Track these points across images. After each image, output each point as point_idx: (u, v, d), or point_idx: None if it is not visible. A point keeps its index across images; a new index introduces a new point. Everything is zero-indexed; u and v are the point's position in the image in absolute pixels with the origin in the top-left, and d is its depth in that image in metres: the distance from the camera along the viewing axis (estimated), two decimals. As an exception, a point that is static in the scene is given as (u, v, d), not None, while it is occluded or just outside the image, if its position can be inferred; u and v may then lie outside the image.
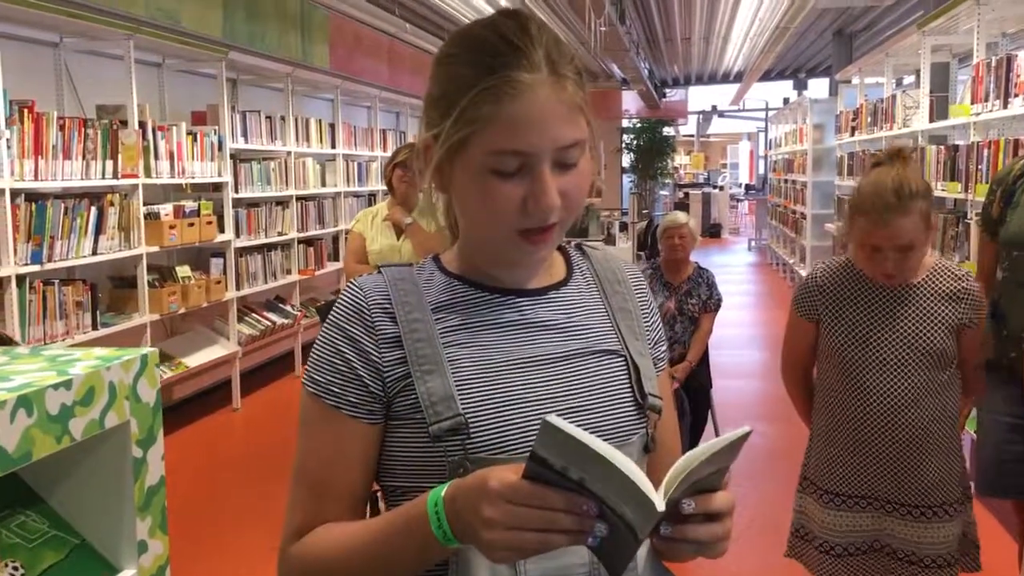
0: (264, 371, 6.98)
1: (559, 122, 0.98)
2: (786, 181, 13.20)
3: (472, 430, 0.99)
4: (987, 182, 3.91)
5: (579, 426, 1.02)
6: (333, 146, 7.98)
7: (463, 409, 0.99)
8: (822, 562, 2.27)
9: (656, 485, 0.86)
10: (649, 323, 1.18)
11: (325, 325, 1.07)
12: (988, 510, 3.77)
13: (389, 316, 1.05)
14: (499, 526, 0.84)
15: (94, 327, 4.69)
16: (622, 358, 1.10)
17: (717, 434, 4.76)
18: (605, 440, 1.02)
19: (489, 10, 9.11)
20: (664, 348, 1.20)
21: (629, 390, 1.08)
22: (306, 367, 1.08)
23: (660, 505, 0.83)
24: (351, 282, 1.09)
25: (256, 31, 7.01)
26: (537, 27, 1.01)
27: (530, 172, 0.99)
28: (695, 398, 4.35)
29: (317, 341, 1.07)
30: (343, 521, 1.05)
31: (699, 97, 24.11)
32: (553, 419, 0.81)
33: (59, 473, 1.28)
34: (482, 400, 1.01)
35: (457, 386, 1.01)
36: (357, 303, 1.06)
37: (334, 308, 1.08)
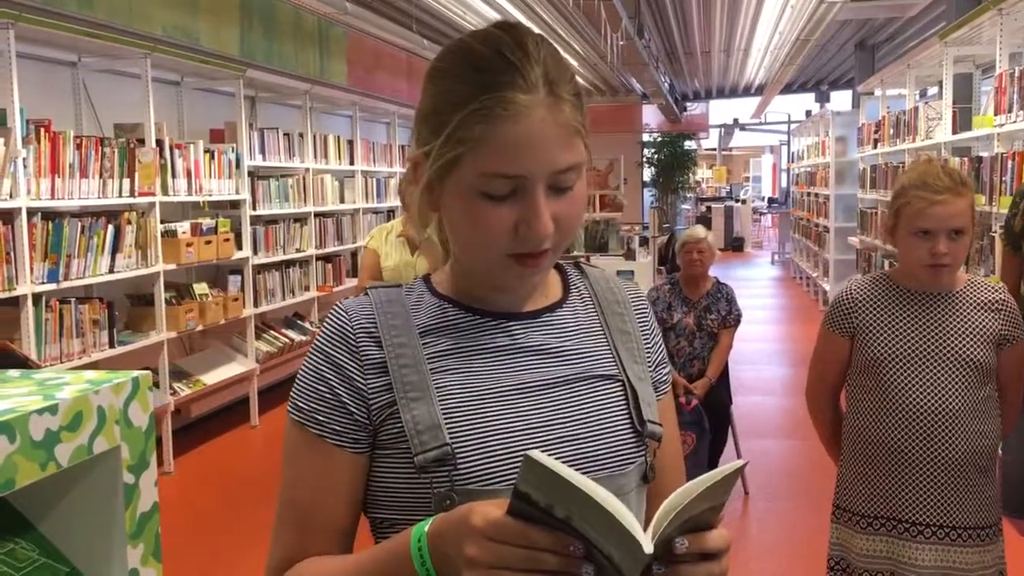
0: (282, 388, 6.97)
1: (555, 146, 0.94)
2: (809, 194, 13.10)
3: (459, 461, 0.94)
4: (1012, 194, 3.83)
5: (574, 455, 0.97)
6: (351, 163, 7.99)
7: (450, 439, 0.95)
8: None
9: (653, 518, 0.82)
10: (650, 345, 1.12)
11: (310, 350, 1.03)
12: (1015, 529, 3.68)
13: (375, 340, 1.00)
14: (482, 565, 0.80)
15: (111, 345, 4.70)
16: (620, 383, 1.05)
17: (737, 451, 4.69)
18: (601, 470, 0.98)
19: (507, 26, 9.12)
20: (667, 371, 1.14)
21: (627, 417, 1.03)
22: (290, 393, 1.04)
23: (648, 547, 0.78)
24: (337, 305, 1.05)
25: (274, 48, 7.05)
26: (535, 42, 0.96)
27: (523, 196, 0.94)
28: (714, 415, 4.29)
29: (302, 367, 1.03)
30: (327, 555, 1.00)
31: (720, 110, 24.05)
32: (535, 454, 0.76)
33: (49, 499, 1.24)
34: (470, 429, 0.96)
35: (444, 414, 0.96)
36: (342, 327, 1.02)
37: (319, 332, 1.04)
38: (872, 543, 2.18)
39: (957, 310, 2.12)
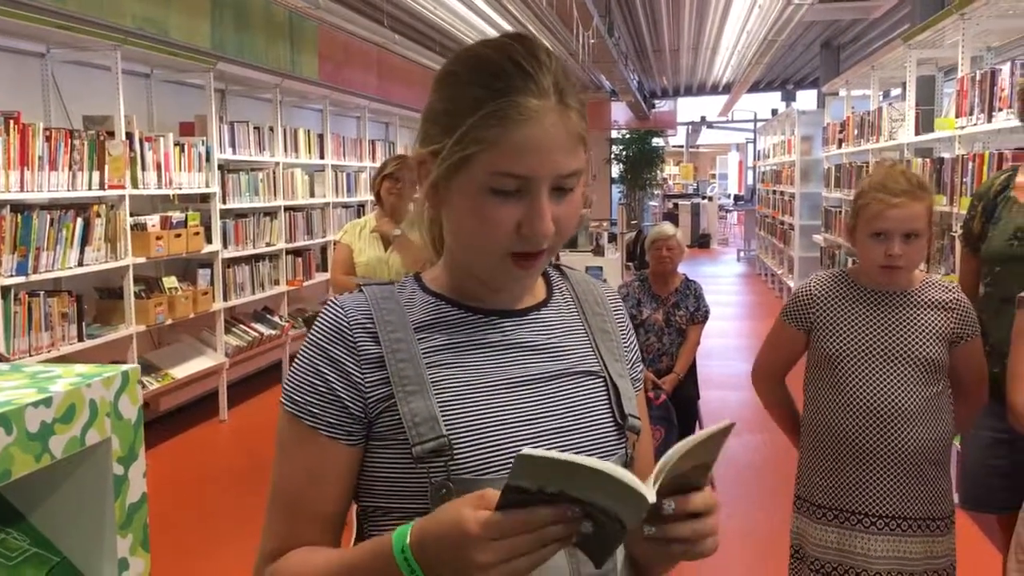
0: (251, 382, 6.96)
1: (562, 150, 0.99)
2: (774, 192, 13.24)
3: (456, 451, 0.99)
4: (971, 195, 3.93)
5: (561, 446, 1.03)
6: (322, 157, 7.98)
7: (447, 430, 0.99)
8: None
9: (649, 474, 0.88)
10: (627, 344, 1.18)
11: (305, 345, 1.07)
12: (973, 522, 3.78)
13: (371, 336, 1.04)
14: (495, 565, 0.83)
15: (79, 339, 4.67)
16: (602, 379, 1.11)
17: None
18: None
19: (478, 22, 9.14)
20: (640, 369, 1.20)
21: (609, 411, 1.09)
22: (283, 386, 1.07)
23: (651, 496, 0.84)
24: (332, 301, 1.08)
25: (245, 41, 7.02)
26: (546, 53, 1.02)
27: (528, 195, 0.99)
28: (682, 409, 4.36)
29: (296, 361, 1.07)
30: (319, 544, 1.04)
31: (688, 108, 24.23)
32: (528, 451, 0.81)
33: (41, 490, 1.27)
34: (465, 421, 1.01)
35: (440, 407, 1.00)
36: (339, 323, 1.05)
37: (314, 327, 1.07)
38: (824, 534, 2.25)
39: (912, 309, 2.19)
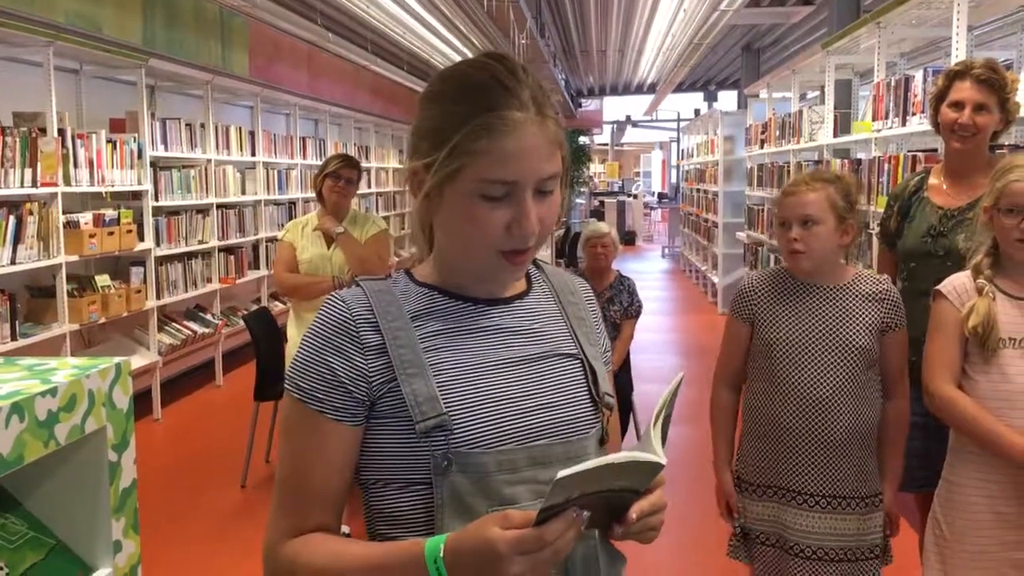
0: (185, 380, 6.91)
1: (542, 156, 1.10)
2: (698, 190, 13.53)
3: (454, 427, 1.10)
4: (887, 195, 4.15)
5: (546, 422, 1.17)
6: (253, 154, 7.94)
7: (446, 408, 1.10)
8: (764, 554, 2.42)
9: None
10: (599, 331, 1.31)
11: (308, 335, 1.16)
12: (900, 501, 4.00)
13: (373, 327, 1.14)
14: (522, 574, 0.96)
15: (13, 337, 4.62)
16: (579, 361, 1.23)
17: (638, 437, 4.93)
18: (568, 435, 1.17)
19: (409, 21, 9.19)
20: (609, 355, 1.33)
21: (587, 390, 1.21)
22: (288, 374, 1.16)
23: (663, 460, 1.01)
24: (334, 295, 1.18)
25: (175, 38, 6.97)
26: (523, 70, 1.14)
27: (514, 199, 1.10)
28: (617, 401, 4.50)
29: (300, 351, 1.16)
30: (325, 520, 1.14)
31: (613, 107, 24.60)
32: (563, 473, 0.92)
33: (36, 478, 1.33)
34: (462, 400, 1.11)
35: (439, 387, 1.11)
36: (341, 315, 1.15)
37: (316, 320, 1.16)
38: (763, 508, 2.42)
39: (843, 301, 2.36)
